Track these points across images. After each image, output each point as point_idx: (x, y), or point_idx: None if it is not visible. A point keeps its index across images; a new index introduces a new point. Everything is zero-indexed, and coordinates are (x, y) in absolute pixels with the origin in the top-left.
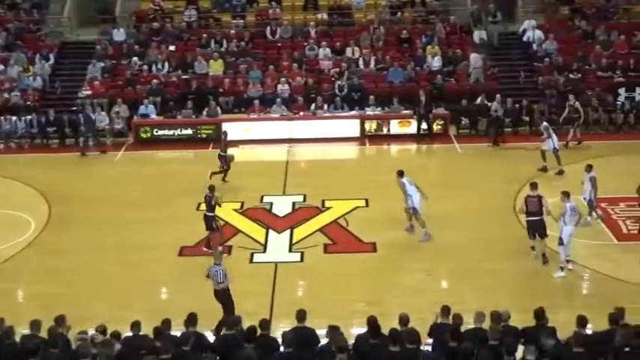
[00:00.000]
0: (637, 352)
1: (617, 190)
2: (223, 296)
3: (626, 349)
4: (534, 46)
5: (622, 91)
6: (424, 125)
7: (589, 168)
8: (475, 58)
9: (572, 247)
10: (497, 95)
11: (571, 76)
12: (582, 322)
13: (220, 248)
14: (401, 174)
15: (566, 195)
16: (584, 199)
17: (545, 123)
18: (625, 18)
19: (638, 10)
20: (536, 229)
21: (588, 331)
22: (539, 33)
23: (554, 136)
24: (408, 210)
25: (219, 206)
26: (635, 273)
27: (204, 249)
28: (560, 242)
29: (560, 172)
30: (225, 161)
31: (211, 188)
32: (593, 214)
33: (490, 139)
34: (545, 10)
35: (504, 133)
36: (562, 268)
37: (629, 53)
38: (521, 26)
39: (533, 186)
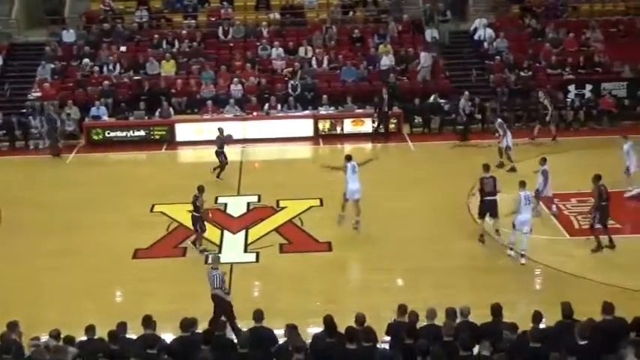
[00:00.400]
0: (591, 345)
1: (568, 186)
2: (217, 301)
3: (582, 343)
4: (485, 45)
5: (572, 88)
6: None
7: (543, 161)
8: (424, 57)
9: (528, 237)
10: (466, 92)
11: (522, 73)
12: (537, 317)
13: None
14: (348, 158)
15: (521, 184)
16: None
17: (499, 120)
18: (574, 16)
19: (586, 8)
20: (490, 208)
21: (542, 326)
22: (490, 31)
23: (508, 134)
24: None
25: (201, 209)
26: (588, 267)
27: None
28: (513, 226)
29: (513, 169)
30: (225, 157)
31: (200, 189)
32: (553, 207)
33: (459, 136)
34: (495, 8)
35: (469, 131)
36: (511, 248)
37: (578, 51)
38: (473, 25)
39: (486, 167)
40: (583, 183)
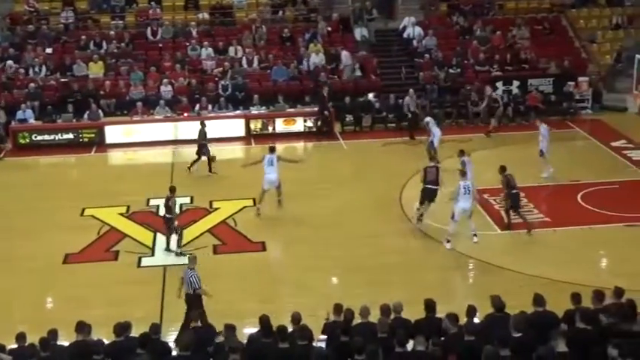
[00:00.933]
0: (524, 337)
1: (498, 181)
2: (196, 301)
3: (515, 335)
4: (414, 43)
5: (500, 84)
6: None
7: (461, 153)
8: (346, 56)
9: (472, 221)
10: (410, 90)
11: (451, 71)
12: (471, 311)
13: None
14: (271, 150)
15: (462, 174)
16: None
17: (427, 118)
18: (500, 14)
19: (512, 6)
20: (431, 196)
21: (477, 320)
22: (418, 29)
23: (436, 131)
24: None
25: (173, 210)
26: (519, 261)
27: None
28: (452, 217)
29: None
30: (208, 150)
31: (172, 189)
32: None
33: (409, 133)
34: (424, 7)
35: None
36: (448, 240)
37: (506, 48)
38: (402, 23)
39: (430, 157)
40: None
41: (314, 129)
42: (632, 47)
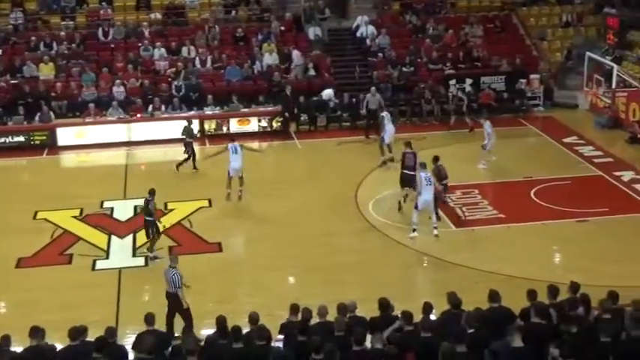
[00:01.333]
0: (480, 333)
1: (452, 178)
2: (176, 300)
3: (470, 331)
4: (368, 42)
5: (453, 82)
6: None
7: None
8: (297, 56)
9: (432, 211)
10: (372, 88)
11: (404, 69)
12: (427, 308)
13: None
14: (232, 138)
15: (422, 166)
16: None
17: (383, 113)
18: (452, 12)
19: (464, 4)
20: (410, 182)
21: (433, 317)
22: (372, 28)
23: (388, 128)
24: None
25: (154, 213)
26: (474, 257)
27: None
28: (415, 207)
29: (384, 163)
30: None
31: (151, 192)
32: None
33: (364, 132)
34: (376, 6)
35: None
36: (414, 230)
37: (458, 46)
38: (355, 22)
39: (408, 144)
40: (468, 175)
41: (268, 129)
42: (581, 45)
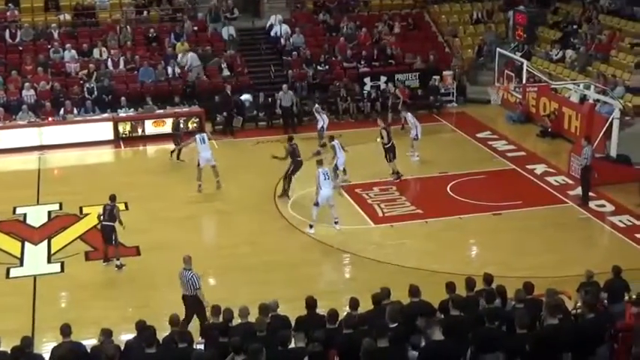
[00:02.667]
0: (401, 327)
1: (370, 175)
2: (194, 302)
3: (392, 326)
4: (282, 41)
5: (367, 80)
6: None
7: (331, 138)
8: (192, 57)
9: (336, 208)
10: (284, 85)
11: (319, 68)
12: (353, 304)
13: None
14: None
15: (318, 163)
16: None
17: (315, 106)
18: (365, 10)
19: (377, 2)
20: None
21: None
22: (285, 27)
23: (324, 118)
24: None
25: (119, 221)
26: (394, 253)
27: (104, 263)
28: (316, 203)
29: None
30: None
31: (112, 198)
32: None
33: (284, 130)
34: (290, 4)
35: (295, 124)
36: (311, 226)
37: (372, 44)
38: (268, 21)
39: (383, 119)
40: (384, 172)
41: (185, 130)
42: (492, 41)
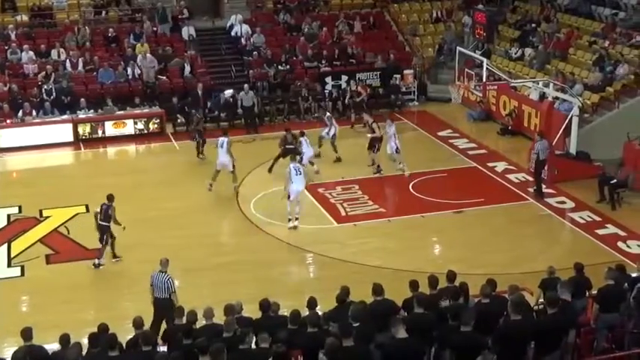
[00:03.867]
0: (365, 326)
1: (332, 175)
2: (166, 306)
3: (355, 325)
4: (243, 41)
5: (329, 79)
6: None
7: (301, 134)
8: (141, 60)
9: (300, 204)
10: (245, 85)
11: (280, 67)
12: (312, 303)
13: None
14: (224, 133)
15: (292, 159)
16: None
17: (327, 114)
18: (325, 10)
19: (337, 2)
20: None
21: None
22: (246, 27)
23: (334, 126)
24: None
25: (115, 221)
26: (356, 252)
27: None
28: (288, 197)
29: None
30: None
31: (110, 197)
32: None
33: (246, 130)
34: (250, 4)
35: (257, 125)
36: (289, 220)
37: (333, 43)
38: (229, 21)
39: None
40: (346, 171)
41: (145, 131)
42: (452, 40)
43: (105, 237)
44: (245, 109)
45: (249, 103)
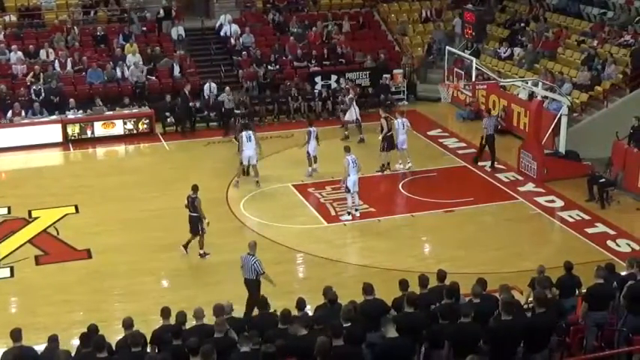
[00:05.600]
0: (355, 326)
1: (322, 174)
2: (254, 286)
3: (346, 325)
4: (232, 41)
5: (318, 79)
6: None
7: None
8: (130, 61)
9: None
10: (227, 88)
11: (270, 67)
12: (301, 304)
13: None
14: (247, 126)
15: (346, 149)
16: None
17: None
18: (315, 10)
19: (326, 1)
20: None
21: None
22: (235, 27)
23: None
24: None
25: (201, 212)
26: (346, 252)
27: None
28: (347, 190)
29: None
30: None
31: (194, 188)
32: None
33: (223, 132)
34: (239, 4)
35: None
36: (349, 213)
37: (322, 43)
38: (218, 21)
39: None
40: (336, 171)
41: (135, 131)
42: (441, 39)
43: (198, 227)
44: (225, 110)
45: (230, 105)
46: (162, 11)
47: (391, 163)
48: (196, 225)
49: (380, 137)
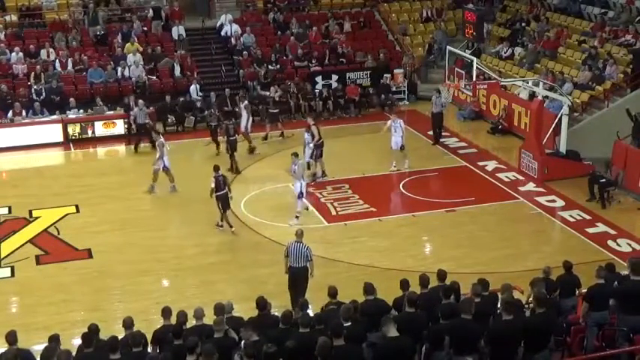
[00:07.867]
0: (356, 325)
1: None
2: (303, 273)
3: (346, 324)
4: (233, 41)
5: (319, 79)
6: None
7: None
8: (130, 60)
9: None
10: (140, 101)
11: (270, 67)
12: (304, 305)
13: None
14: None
15: (295, 155)
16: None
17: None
18: (315, 9)
19: (327, 1)
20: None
21: (311, 313)
22: (236, 27)
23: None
24: None
25: (224, 186)
26: (347, 252)
27: (227, 227)
28: (301, 195)
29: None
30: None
31: (216, 168)
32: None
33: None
34: (240, 4)
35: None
36: (297, 217)
37: (323, 43)
38: (219, 21)
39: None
40: (337, 171)
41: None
42: (442, 39)
43: (228, 202)
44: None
45: (142, 120)
46: (151, 11)
47: (391, 164)
48: (226, 200)
49: (312, 145)
